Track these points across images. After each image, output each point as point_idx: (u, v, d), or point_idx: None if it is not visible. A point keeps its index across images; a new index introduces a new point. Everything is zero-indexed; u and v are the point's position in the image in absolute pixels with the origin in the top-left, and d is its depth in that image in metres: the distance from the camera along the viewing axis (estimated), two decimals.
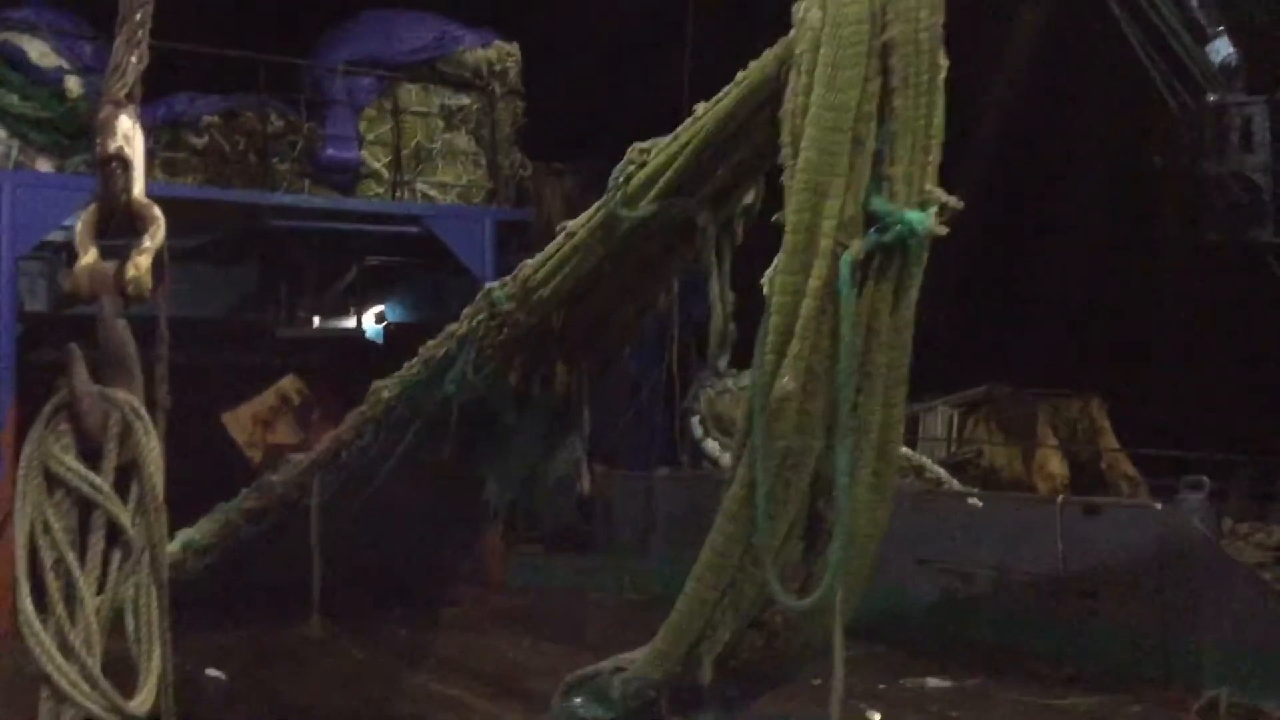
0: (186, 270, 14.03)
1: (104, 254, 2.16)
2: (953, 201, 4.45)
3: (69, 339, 2.20)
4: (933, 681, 7.96)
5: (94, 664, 1.97)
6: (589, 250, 6.11)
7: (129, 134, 2.13)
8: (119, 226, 2.12)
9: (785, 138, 4.54)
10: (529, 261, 6.64)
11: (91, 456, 2.07)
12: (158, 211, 2.17)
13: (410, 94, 13.02)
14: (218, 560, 9.20)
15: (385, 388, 8.03)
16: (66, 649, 1.96)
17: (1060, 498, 9.10)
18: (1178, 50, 10.56)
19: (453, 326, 7.33)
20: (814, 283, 4.46)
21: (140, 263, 2.11)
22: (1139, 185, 11.80)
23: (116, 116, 2.09)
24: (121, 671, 2.21)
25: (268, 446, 13.01)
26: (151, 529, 2.10)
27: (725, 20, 13.37)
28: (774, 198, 5.55)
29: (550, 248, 6.43)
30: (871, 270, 4.44)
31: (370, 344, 16.02)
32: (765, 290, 4.70)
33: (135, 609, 2.07)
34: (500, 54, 13.52)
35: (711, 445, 11.79)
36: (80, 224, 2.14)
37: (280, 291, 15.80)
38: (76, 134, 10.95)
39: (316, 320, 16.40)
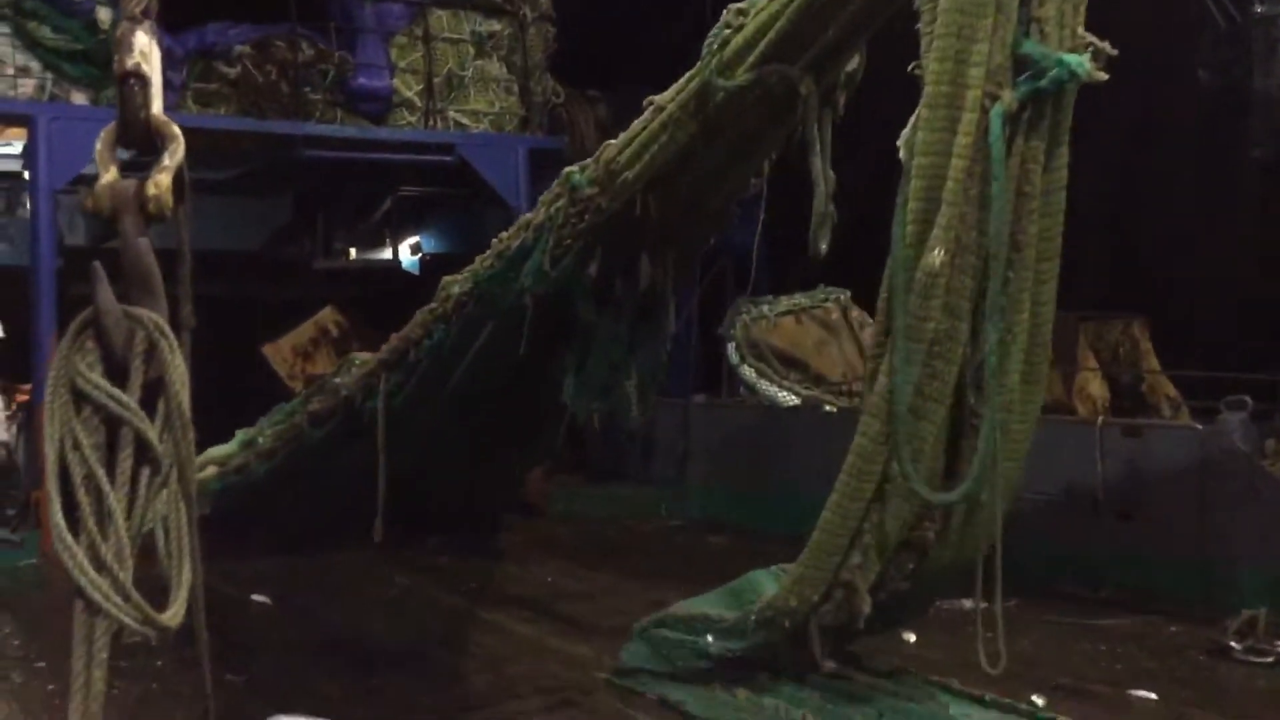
0: (223, 203, 14.11)
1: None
2: (1106, 47, 4.07)
3: (110, 273, 2.20)
4: (968, 604, 7.96)
5: (126, 577, 2.00)
6: (679, 126, 5.64)
7: (146, 50, 2.11)
8: (139, 145, 2.12)
9: None
10: (612, 141, 6.18)
11: (117, 375, 2.08)
12: (177, 129, 2.16)
13: (441, 20, 12.91)
14: (282, 465, 9.00)
15: (456, 282, 7.56)
16: (99, 563, 1.99)
17: (1100, 419, 9.02)
18: None
19: (528, 216, 6.89)
20: (962, 139, 4.03)
21: (160, 180, 2.11)
22: (1184, 101, 11.53)
23: (133, 32, 2.07)
24: (153, 592, 2.24)
25: (307, 378, 13.13)
26: (179, 445, 2.12)
27: None
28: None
29: (636, 125, 5.94)
30: (1022, 124, 4.01)
31: (407, 275, 16.07)
32: (902, 154, 4.27)
33: (164, 524, 2.09)
34: None
35: (747, 372, 11.78)
36: (100, 142, 2.14)
37: (316, 224, 15.86)
38: (110, 66, 10.95)
39: (353, 252, 16.46)
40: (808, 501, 10.14)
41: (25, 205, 11.92)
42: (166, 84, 10.71)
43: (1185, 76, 11.09)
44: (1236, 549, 7.84)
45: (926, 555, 4.94)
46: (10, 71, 10.69)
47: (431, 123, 12.82)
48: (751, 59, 5.13)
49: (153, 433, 2.08)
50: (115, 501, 2.05)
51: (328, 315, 14.06)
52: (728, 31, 5.22)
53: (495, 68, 13.27)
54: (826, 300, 12.42)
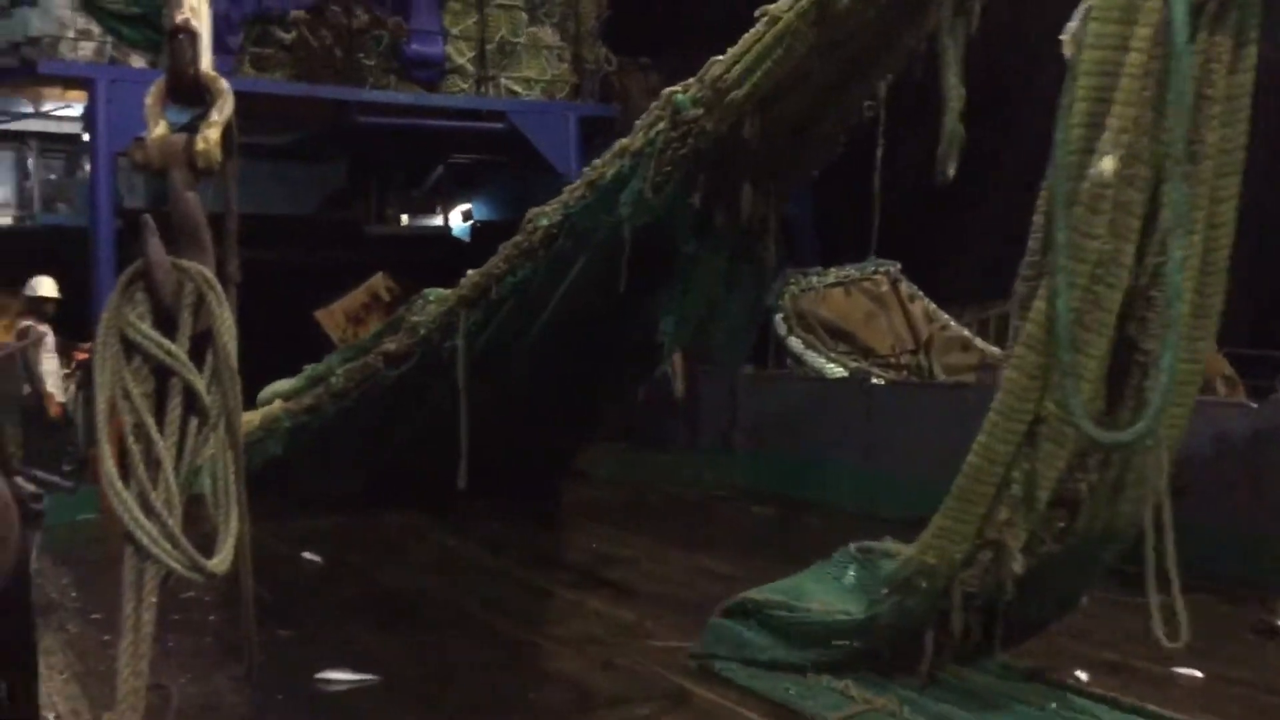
0: (277, 168, 14.26)
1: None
2: None
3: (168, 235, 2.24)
4: None
5: (175, 524, 2.06)
6: (796, 38, 5.21)
7: (196, 6, 2.15)
8: (188, 99, 2.16)
9: None
10: (719, 58, 5.75)
11: (166, 326, 2.13)
12: (225, 84, 2.20)
13: None
14: (355, 405, 8.68)
15: (543, 215, 7.09)
16: (148, 509, 2.04)
17: None
18: None
19: (624, 141, 6.43)
20: (1141, 30, 3.61)
21: (209, 135, 2.15)
22: None
23: None
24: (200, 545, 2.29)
25: None
26: (226, 396, 2.16)
27: None
28: None
29: (747, 38, 5.51)
30: (1207, 16, 3.58)
31: (457, 242, 16.17)
32: (1068, 49, 3.85)
33: (212, 473, 2.14)
34: None
35: (795, 342, 11.73)
36: (150, 97, 2.18)
37: (369, 190, 15.99)
38: None
39: (405, 218, 16.58)
40: (853, 474, 10.23)
41: (85, 167, 12.11)
42: (224, 48, 10.87)
43: None
44: None
45: (1078, 513, 4.43)
46: (71, 35, 10.85)
47: (484, 90, 12.88)
48: None
49: (201, 383, 2.13)
50: (164, 450, 2.09)
51: (379, 281, 14.18)
52: None
53: (548, 35, 13.28)
54: (876, 272, 12.34)
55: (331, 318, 13.91)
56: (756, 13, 5.44)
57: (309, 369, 9.41)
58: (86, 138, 11.43)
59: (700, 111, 5.77)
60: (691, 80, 5.87)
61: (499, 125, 12.87)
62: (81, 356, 11.37)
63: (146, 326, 2.11)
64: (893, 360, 11.46)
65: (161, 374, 2.13)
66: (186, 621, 6.52)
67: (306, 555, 8.64)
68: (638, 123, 6.25)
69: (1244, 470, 8.01)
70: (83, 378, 11.35)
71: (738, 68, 5.57)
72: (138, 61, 11.15)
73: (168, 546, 2.04)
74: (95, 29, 11.00)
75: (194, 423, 2.14)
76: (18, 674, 2.49)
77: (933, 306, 12.22)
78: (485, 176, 16.37)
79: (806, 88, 5.58)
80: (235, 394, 2.16)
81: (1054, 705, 5.11)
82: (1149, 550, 4.36)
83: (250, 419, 9.66)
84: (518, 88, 13.11)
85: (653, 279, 6.68)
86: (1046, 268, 4.04)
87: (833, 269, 12.31)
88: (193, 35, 2.14)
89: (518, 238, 7.32)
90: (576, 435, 10.19)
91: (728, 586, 7.65)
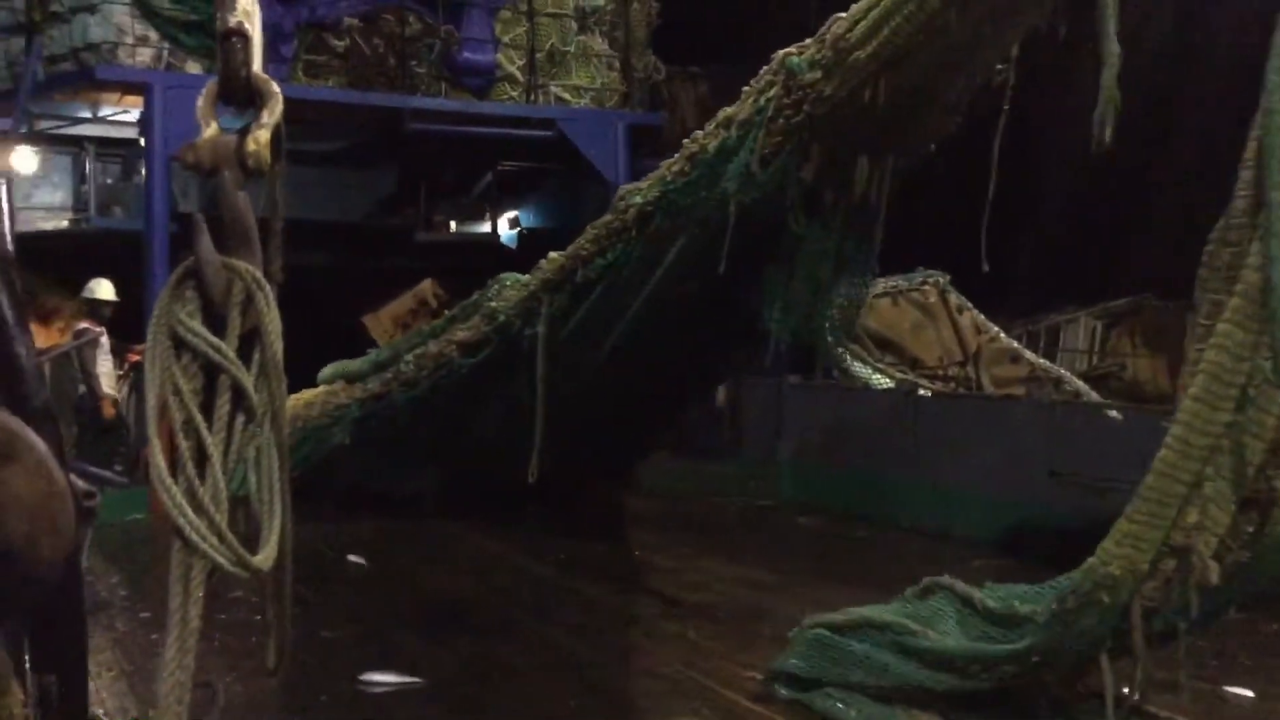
0: (328, 174, 14.41)
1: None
2: None
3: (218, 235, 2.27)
4: None
5: (221, 519, 2.07)
6: None
7: (248, 9, 2.18)
8: (239, 101, 2.19)
9: None
10: (840, 15, 5.33)
11: (216, 323, 2.16)
12: (276, 87, 2.22)
13: None
14: (426, 395, 8.31)
15: (637, 192, 6.57)
16: (196, 503, 2.06)
17: None
18: None
19: (729, 110, 5.97)
20: None
21: (260, 136, 2.17)
22: None
23: None
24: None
25: None
26: (273, 393, 2.18)
27: None
28: None
29: None
30: None
31: (505, 249, 16.24)
32: None
33: (259, 469, 2.17)
34: None
35: (842, 354, 11.67)
36: (201, 99, 2.21)
37: (418, 196, 16.11)
38: None
39: (453, 225, 16.69)
40: (899, 486, 10.15)
41: (141, 172, 12.30)
42: (277, 56, 11.00)
43: None
44: None
45: (1270, 516, 3.93)
46: (129, 41, 11.03)
47: (533, 97, 12.94)
48: None
49: (249, 381, 2.15)
50: (213, 446, 2.12)
51: (427, 287, 14.28)
52: None
53: (597, 43, 13.34)
54: (924, 283, 12.25)
55: (379, 323, 14.03)
56: None
57: (373, 352, 9.25)
58: (143, 142, 11.60)
59: (818, 75, 5.31)
60: (808, 42, 5.44)
61: (548, 133, 12.94)
62: (135, 358, 11.54)
63: (196, 324, 2.13)
64: (940, 371, 11.37)
65: (210, 371, 2.15)
66: (233, 621, 6.59)
67: (351, 558, 8.71)
68: (745, 89, 5.77)
69: None
70: (136, 379, 11.52)
71: (862, 25, 5.12)
72: (194, 67, 11.32)
73: (214, 541, 2.06)
74: (153, 35, 11.18)
75: (241, 419, 2.16)
76: (68, 670, 2.51)
77: (981, 318, 12.12)
78: (533, 184, 16.45)
79: (937, 46, 5.08)
80: (282, 392, 2.18)
81: None
82: None
83: (308, 396, 9.63)
84: (567, 95, 13.18)
85: (756, 261, 6.21)
86: (1257, 231, 3.54)
87: (880, 279, 12.23)
88: (245, 38, 2.17)
89: (607, 217, 6.80)
90: (656, 429, 9.75)
91: (772, 597, 7.65)
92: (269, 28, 10.42)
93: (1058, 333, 12.89)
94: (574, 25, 13.17)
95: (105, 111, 12.81)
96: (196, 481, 2.05)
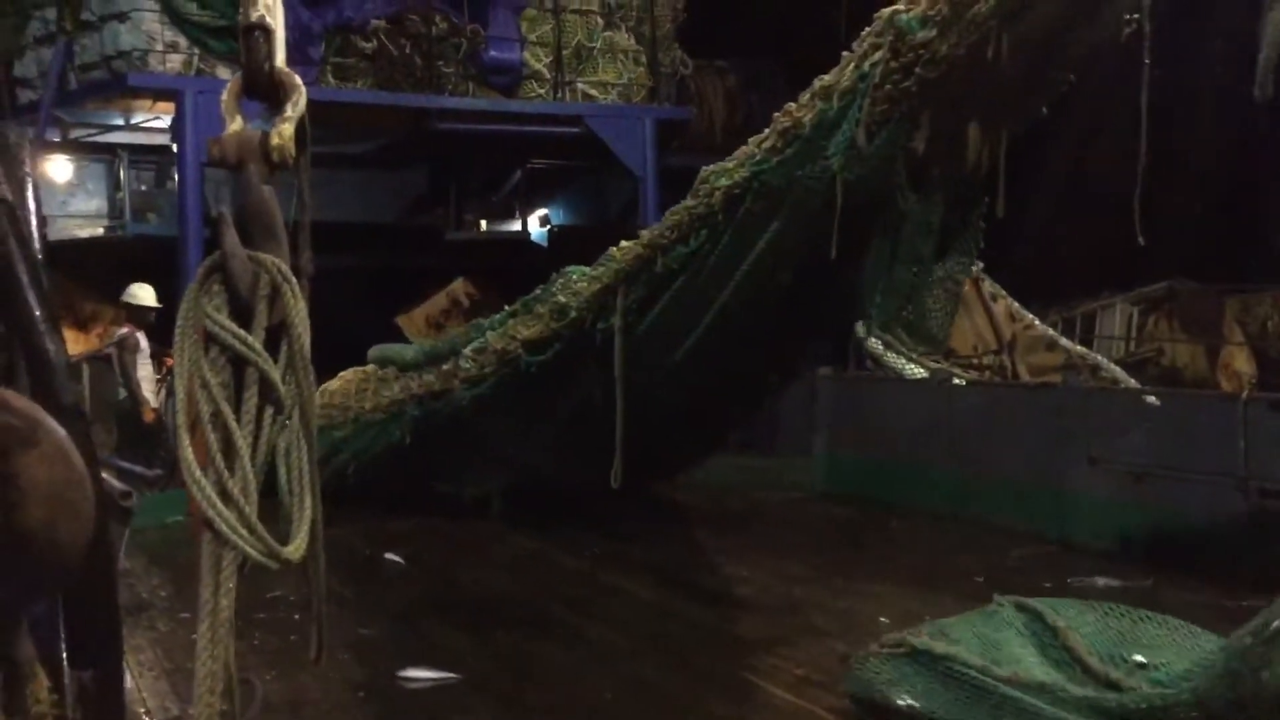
0: (358, 176, 14.49)
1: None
2: None
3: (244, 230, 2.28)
4: (1101, 581, 7.77)
5: (251, 511, 2.09)
6: None
7: (270, 4, 2.19)
8: (262, 95, 2.21)
9: None
10: None
11: (243, 317, 2.17)
12: (299, 80, 2.24)
13: None
14: (490, 394, 7.94)
15: (722, 173, 5.95)
16: (225, 496, 2.08)
17: (1245, 394, 8.65)
18: None
19: (826, 79, 5.41)
20: None
21: (284, 130, 2.19)
22: None
23: None
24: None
25: None
26: (301, 386, 2.19)
27: None
28: None
29: None
30: None
31: (536, 246, 16.28)
32: None
33: (287, 461, 2.18)
34: None
35: (874, 344, 11.60)
36: (226, 94, 2.23)
37: (449, 196, 16.18)
38: None
39: (484, 224, 16.74)
40: (935, 476, 10.07)
41: (174, 177, 12.41)
42: (306, 59, 11.06)
43: None
44: None
45: None
46: (159, 48, 11.13)
47: (560, 94, 12.95)
48: None
49: (276, 374, 2.16)
50: (241, 439, 2.13)
51: (460, 286, 14.35)
52: None
53: (623, 39, 13.33)
54: None
55: (412, 322, 14.11)
56: None
57: (421, 342, 9.12)
58: (175, 148, 11.70)
59: (932, 33, 4.82)
60: None
61: (575, 129, 12.95)
62: (172, 363, 11.64)
63: (223, 317, 2.15)
64: (975, 360, 11.29)
65: (238, 364, 2.16)
66: (273, 620, 6.63)
67: (389, 556, 8.75)
68: (846, 54, 5.29)
69: None
70: (172, 383, 11.62)
71: None
72: (224, 73, 11.40)
73: (244, 533, 2.07)
74: (182, 42, 11.27)
75: (269, 412, 2.17)
76: (105, 667, 2.54)
77: (1016, 306, 12.01)
78: (562, 181, 16.47)
79: None
80: (309, 385, 2.19)
81: None
82: None
83: (351, 376, 9.57)
84: (594, 92, 13.18)
85: (852, 246, 5.66)
86: None
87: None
88: (268, 32, 2.19)
89: (689, 201, 6.21)
90: (730, 427, 9.24)
91: (808, 590, 7.62)
92: (298, 30, 10.50)
93: (1093, 319, 12.78)
94: (600, 21, 13.17)
95: (138, 118, 12.93)
96: (226, 473, 2.07)
